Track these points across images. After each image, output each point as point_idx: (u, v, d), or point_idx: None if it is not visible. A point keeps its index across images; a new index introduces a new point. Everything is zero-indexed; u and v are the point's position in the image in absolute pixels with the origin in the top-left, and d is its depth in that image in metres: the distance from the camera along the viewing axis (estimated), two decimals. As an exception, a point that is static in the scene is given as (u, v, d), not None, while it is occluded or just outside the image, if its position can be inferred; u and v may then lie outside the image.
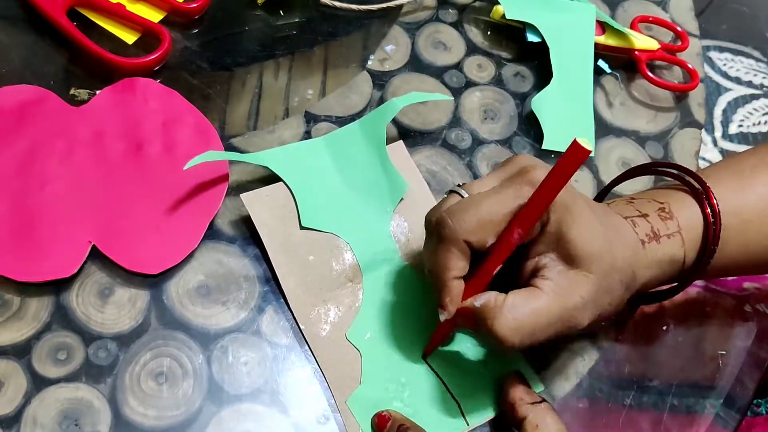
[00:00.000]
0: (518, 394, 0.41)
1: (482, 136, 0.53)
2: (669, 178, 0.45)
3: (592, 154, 0.53)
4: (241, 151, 0.48)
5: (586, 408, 0.44)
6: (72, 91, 0.48)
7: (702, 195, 0.43)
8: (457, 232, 0.38)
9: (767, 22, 0.68)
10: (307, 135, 0.50)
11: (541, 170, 0.38)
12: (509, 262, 0.39)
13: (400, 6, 0.57)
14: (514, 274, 0.40)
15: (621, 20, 0.62)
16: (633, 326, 0.48)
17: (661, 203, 0.43)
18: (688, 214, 0.43)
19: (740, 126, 0.62)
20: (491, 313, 0.38)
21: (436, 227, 0.39)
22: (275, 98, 0.51)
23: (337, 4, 0.56)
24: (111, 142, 0.46)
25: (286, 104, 0.51)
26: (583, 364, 0.46)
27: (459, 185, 0.40)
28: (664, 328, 0.48)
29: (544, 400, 0.40)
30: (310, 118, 0.51)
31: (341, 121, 0.51)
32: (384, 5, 0.57)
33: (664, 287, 0.44)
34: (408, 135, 0.52)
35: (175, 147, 0.46)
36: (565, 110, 0.54)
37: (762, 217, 0.43)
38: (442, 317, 0.39)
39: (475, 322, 0.39)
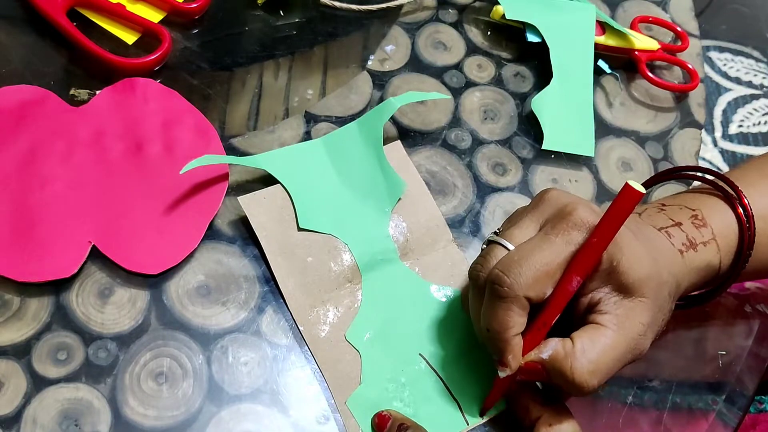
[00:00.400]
0: (531, 394, 0.41)
1: (482, 136, 0.53)
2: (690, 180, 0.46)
3: (591, 154, 0.53)
4: (241, 152, 0.48)
5: (587, 407, 0.44)
6: (72, 91, 0.48)
7: (735, 200, 0.43)
8: (517, 289, 0.37)
9: (767, 22, 0.68)
10: (307, 135, 0.50)
11: (582, 208, 0.38)
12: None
13: (400, 6, 0.57)
14: (565, 314, 0.39)
15: (621, 20, 0.62)
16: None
17: (693, 210, 0.43)
18: (721, 219, 0.43)
19: (740, 126, 0.62)
20: (566, 363, 0.37)
21: (491, 285, 0.38)
22: (275, 98, 0.51)
23: (337, 4, 0.56)
24: (111, 143, 0.46)
25: (286, 104, 0.51)
26: (583, 364, 0.45)
27: (496, 233, 0.40)
28: (665, 328, 0.48)
29: (557, 400, 0.40)
30: (310, 118, 0.51)
31: (341, 121, 0.51)
32: (384, 5, 0.57)
33: (699, 292, 0.45)
34: (408, 135, 0.52)
35: (175, 147, 0.46)
36: (565, 110, 0.54)
37: None
38: (503, 374, 0.39)
39: (548, 374, 0.38)
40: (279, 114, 0.51)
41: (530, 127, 0.54)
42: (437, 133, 0.52)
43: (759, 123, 0.63)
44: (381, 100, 0.53)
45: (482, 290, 0.39)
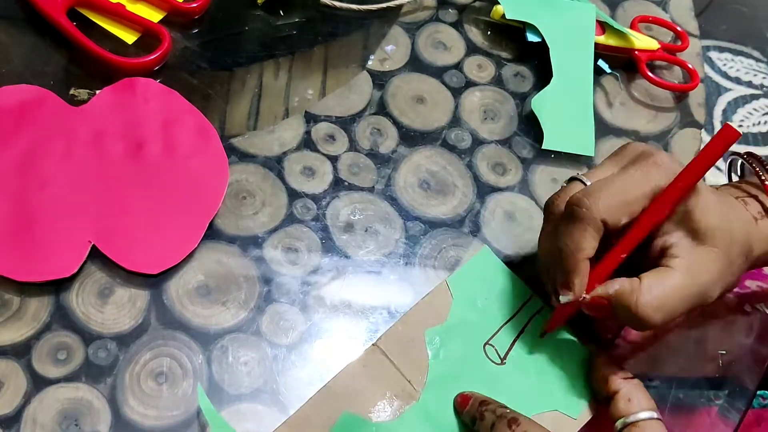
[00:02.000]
0: (611, 368, 0.42)
1: (482, 136, 0.53)
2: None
3: (591, 154, 0.53)
4: (241, 151, 0.48)
5: (587, 408, 0.44)
6: (72, 91, 0.48)
7: None
8: (595, 212, 0.39)
9: (767, 22, 0.68)
10: (307, 135, 0.50)
11: (663, 153, 0.40)
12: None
13: (400, 6, 0.57)
14: (635, 257, 0.40)
15: (621, 20, 0.62)
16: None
17: None
18: None
19: (740, 126, 0.62)
20: (632, 297, 0.39)
21: (570, 208, 0.40)
22: (275, 98, 0.51)
23: (337, 4, 0.56)
24: (111, 142, 0.46)
25: (286, 104, 0.51)
26: (583, 364, 0.45)
27: (579, 174, 0.42)
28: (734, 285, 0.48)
29: (635, 377, 0.41)
30: (310, 118, 0.51)
31: (341, 121, 0.51)
32: (384, 5, 0.57)
33: None
34: (408, 135, 0.52)
35: (175, 147, 0.46)
36: (565, 110, 0.54)
37: None
38: (565, 298, 0.40)
39: (614, 308, 0.39)
40: (279, 114, 0.51)
41: (530, 127, 0.54)
42: (437, 132, 0.52)
43: (759, 123, 0.63)
44: (381, 99, 0.53)
45: (555, 222, 0.41)
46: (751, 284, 0.51)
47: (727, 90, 0.64)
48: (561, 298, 0.40)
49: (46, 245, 0.42)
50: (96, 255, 0.43)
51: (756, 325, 0.49)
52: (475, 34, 0.58)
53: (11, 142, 0.45)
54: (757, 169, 0.45)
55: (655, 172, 0.40)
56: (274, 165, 0.48)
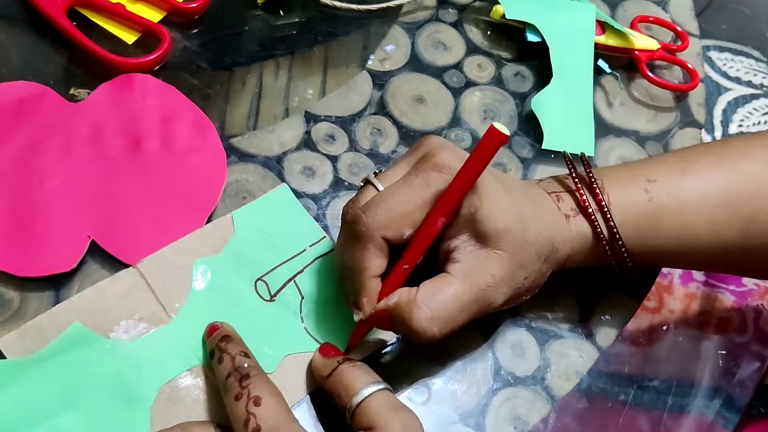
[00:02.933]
0: (316, 374, 0.40)
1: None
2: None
3: (591, 154, 0.53)
4: (241, 151, 0.48)
5: (586, 408, 0.44)
6: (72, 91, 0.48)
7: (595, 187, 0.43)
8: (373, 229, 0.37)
9: (767, 22, 0.68)
10: (307, 135, 0.50)
11: (446, 152, 0.38)
12: (429, 252, 0.39)
13: (400, 6, 0.57)
14: (430, 262, 0.40)
15: (621, 20, 0.62)
16: (633, 326, 0.48)
17: (597, 179, 0.43)
18: (624, 191, 0.43)
19: (740, 126, 0.62)
20: (407, 309, 0.37)
21: (350, 225, 0.38)
22: (275, 98, 0.51)
23: (337, 4, 0.56)
24: (109, 138, 0.46)
25: (286, 104, 0.51)
26: (582, 363, 0.46)
27: (375, 173, 0.40)
28: (664, 327, 0.48)
29: (345, 360, 0.39)
30: (310, 118, 0.51)
31: (341, 121, 0.51)
32: (384, 5, 0.57)
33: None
34: (408, 135, 0.52)
35: (173, 143, 0.47)
36: (565, 110, 0.54)
37: (701, 198, 0.43)
38: (357, 317, 0.39)
39: (394, 322, 0.38)
40: (279, 114, 0.51)
41: (530, 126, 0.54)
42: (437, 132, 0.52)
43: (759, 123, 0.63)
44: (381, 99, 0.53)
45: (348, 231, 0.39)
46: (748, 282, 0.51)
47: (727, 90, 0.64)
48: (355, 317, 0.39)
49: (46, 240, 0.42)
50: (95, 250, 0.43)
51: (755, 326, 0.49)
52: (475, 34, 0.58)
53: (10, 138, 0.45)
54: (568, 161, 0.44)
55: (435, 176, 0.38)
56: (274, 165, 0.48)
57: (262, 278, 0.43)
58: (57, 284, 0.42)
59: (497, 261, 0.38)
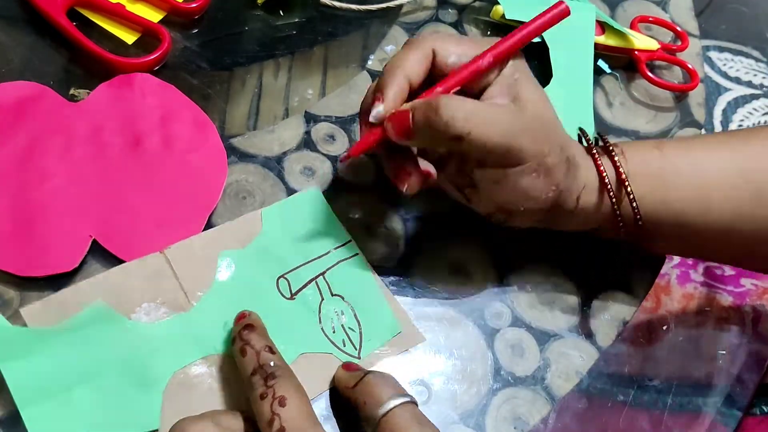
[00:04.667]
0: (340, 385, 0.40)
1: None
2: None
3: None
4: (241, 151, 0.48)
5: (586, 408, 0.44)
6: (72, 91, 0.48)
7: (609, 144, 0.44)
8: (426, 38, 0.40)
9: (767, 22, 0.68)
10: (307, 135, 0.50)
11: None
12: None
13: (400, 6, 0.57)
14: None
15: (621, 20, 0.62)
16: (633, 326, 0.48)
17: (617, 146, 0.44)
18: (642, 158, 0.44)
19: (740, 126, 0.62)
20: (440, 102, 0.37)
21: (409, 40, 0.41)
22: (275, 98, 0.51)
23: (337, 4, 0.56)
24: (109, 137, 0.46)
25: (286, 104, 0.51)
26: (582, 363, 0.46)
27: None
28: (664, 327, 0.48)
29: (367, 373, 0.39)
30: (310, 118, 0.51)
31: (341, 121, 0.51)
32: (384, 5, 0.57)
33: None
34: (408, 135, 0.52)
35: (173, 141, 0.47)
36: (565, 110, 0.54)
37: (713, 163, 0.44)
38: (376, 111, 0.39)
39: (416, 121, 0.38)
40: (279, 114, 0.51)
41: (530, 126, 0.54)
42: (437, 132, 0.52)
43: (759, 123, 0.63)
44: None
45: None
46: (746, 282, 0.51)
47: (726, 90, 0.64)
48: (373, 110, 0.39)
49: (47, 240, 0.42)
50: (97, 249, 0.43)
51: (755, 326, 0.49)
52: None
53: (10, 138, 0.45)
54: (582, 133, 0.46)
55: (495, 39, 0.41)
56: (274, 165, 0.48)
57: (285, 276, 0.44)
58: (57, 284, 0.41)
59: (531, 118, 0.39)
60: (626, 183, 0.42)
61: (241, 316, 0.40)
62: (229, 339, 0.40)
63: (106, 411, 0.38)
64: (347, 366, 0.41)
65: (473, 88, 0.41)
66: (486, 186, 0.41)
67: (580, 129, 0.46)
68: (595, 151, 0.43)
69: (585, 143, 0.45)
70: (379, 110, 0.39)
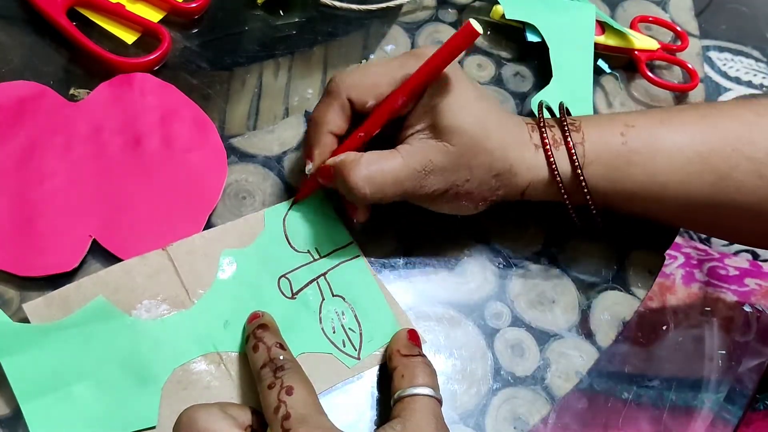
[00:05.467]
0: (396, 346, 0.41)
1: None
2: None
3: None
4: (241, 151, 0.48)
5: (586, 407, 0.44)
6: (72, 91, 0.48)
7: (565, 124, 0.44)
8: (341, 87, 0.41)
9: (767, 22, 0.68)
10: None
11: (432, 48, 0.41)
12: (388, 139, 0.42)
13: (400, 6, 0.57)
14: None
15: (621, 20, 0.62)
16: (633, 326, 0.48)
17: (575, 121, 0.45)
18: (599, 135, 0.44)
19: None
20: (349, 166, 0.40)
21: (327, 84, 0.43)
22: (275, 98, 0.51)
23: (337, 4, 0.56)
24: (109, 137, 0.46)
25: (286, 104, 0.51)
26: (582, 363, 0.46)
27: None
28: (664, 327, 0.48)
29: (420, 355, 0.41)
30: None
31: (341, 121, 0.51)
32: (384, 5, 0.57)
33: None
34: (408, 135, 0.52)
35: (173, 141, 0.47)
36: (565, 110, 0.54)
37: (674, 148, 0.43)
38: (307, 169, 0.43)
39: (335, 177, 0.42)
40: (279, 113, 0.51)
41: (530, 126, 0.54)
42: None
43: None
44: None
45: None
46: (750, 282, 0.51)
47: (727, 90, 0.64)
48: (306, 168, 0.43)
49: (47, 240, 0.42)
50: (96, 249, 0.43)
51: (755, 326, 0.49)
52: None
53: (10, 137, 0.45)
54: (542, 107, 0.46)
55: (412, 61, 0.41)
56: (274, 165, 0.48)
57: (286, 275, 0.44)
58: (57, 284, 0.41)
59: (442, 152, 0.41)
60: (581, 177, 0.43)
61: (254, 316, 0.41)
62: (229, 337, 0.41)
63: (105, 406, 0.38)
64: (413, 335, 0.42)
65: (393, 121, 0.42)
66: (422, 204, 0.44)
67: (539, 105, 0.46)
68: (548, 144, 0.43)
69: (543, 125, 0.44)
70: (309, 167, 0.43)
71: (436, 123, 0.41)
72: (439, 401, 0.38)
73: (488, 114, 0.42)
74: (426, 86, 0.41)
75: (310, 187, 0.45)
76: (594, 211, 0.44)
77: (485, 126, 0.41)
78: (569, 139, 0.43)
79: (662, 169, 0.43)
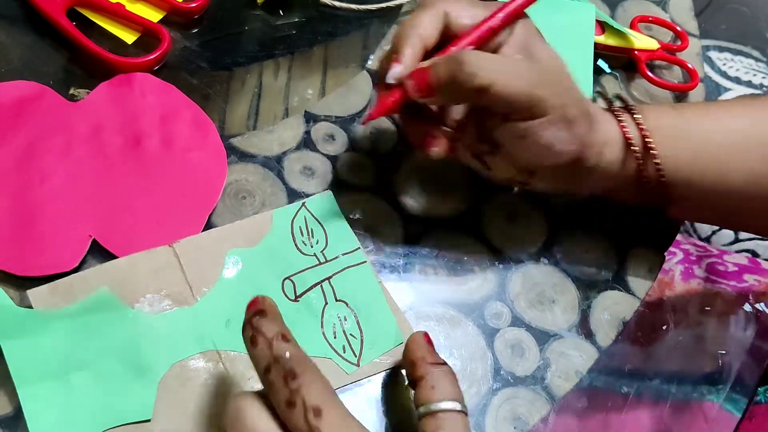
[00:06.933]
0: (421, 353, 0.38)
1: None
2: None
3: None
4: (241, 151, 0.48)
5: (586, 407, 0.44)
6: (72, 91, 0.48)
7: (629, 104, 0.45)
8: (438, 1, 0.40)
9: (767, 22, 0.68)
10: (307, 135, 0.50)
11: None
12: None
13: (400, 6, 0.57)
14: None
15: (621, 20, 0.62)
16: (633, 325, 0.48)
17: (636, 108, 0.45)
18: (656, 117, 0.44)
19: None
20: (457, 56, 0.38)
21: (421, 3, 0.41)
22: (275, 98, 0.51)
23: (337, 3, 0.56)
24: (109, 137, 0.46)
25: (285, 104, 0.51)
26: (582, 363, 0.46)
27: None
28: (664, 327, 0.48)
29: (445, 364, 0.38)
30: (310, 118, 0.51)
31: (341, 121, 0.51)
32: (384, 5, 0.57)
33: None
34: (408, 135, 0.52)
35: (174, 141, 0.47)
36: (565, 110, 0.54)
37: (727, 130, 0.44)
38: (393, 73, 0.39)
39: (435, 73, 0.38)
40: (279, 114, 0.51)
41: (530, 126, 0.54)
42: (437, 132, 0.52)
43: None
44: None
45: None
46: (749, 278, 0.51)
47: (726, 90, 0.64)
48: (390, 71, 0.39)
49: (47, 240, 0.42)
50: (96, 249, 0.43)
51: (755, 325, 0.49)
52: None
53: (10, 137, 0.45)
54: (601, 96, 0.47)
55: (493, 4, 0.41)
56: (274, 165, 0.48)
57: (291, 277, 0.44)
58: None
59: (536, 67, 0.40)
60: (649, 140, 0.43)
61: (252, 303, 0.35)
62: (230, 336, 0.41)
63: (101, 396, 0.38)
64: (428, 338, 0.39)
65: (486, 48, 0.41)
66: (509, 144, 0.41)
67: (598, 91, 0.47)
68: (615, 110, 0.44)
69: (605, 104, 0.46)
70: (396, 71, 0.39)
71: (535, 52, 0.41)
72: (467, 414, 0.36)
73: (566, 71, 0.42)
74: (521, 14, 0.41)
75: (390, 100, 0.40)
76: (663, 179, 0.43)
77: (569, 75, 0.42)
78: (633, 110, 0.44)
79: (722, 145, 0.44)
